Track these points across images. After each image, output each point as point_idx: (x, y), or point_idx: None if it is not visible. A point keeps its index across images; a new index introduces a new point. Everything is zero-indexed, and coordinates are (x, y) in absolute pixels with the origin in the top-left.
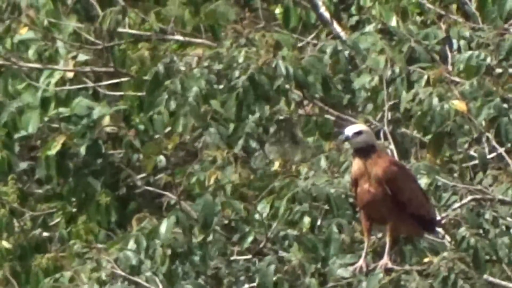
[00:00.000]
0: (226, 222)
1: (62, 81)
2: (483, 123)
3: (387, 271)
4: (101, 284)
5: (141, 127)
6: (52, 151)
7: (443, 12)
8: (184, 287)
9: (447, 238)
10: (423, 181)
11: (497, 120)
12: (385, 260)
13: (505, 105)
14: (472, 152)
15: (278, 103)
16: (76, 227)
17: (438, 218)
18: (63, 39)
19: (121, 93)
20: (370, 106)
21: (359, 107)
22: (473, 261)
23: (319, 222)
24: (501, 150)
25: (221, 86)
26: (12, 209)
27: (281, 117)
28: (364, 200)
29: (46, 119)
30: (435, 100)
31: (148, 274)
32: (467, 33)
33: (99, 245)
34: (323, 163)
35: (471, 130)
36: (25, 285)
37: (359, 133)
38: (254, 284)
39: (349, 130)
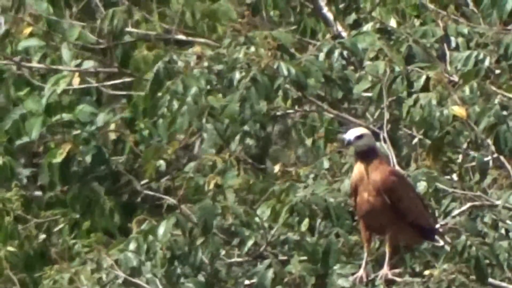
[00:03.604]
0: (227, 226)
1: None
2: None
3: (387, 282)
4: (101, 286)
5: (146, 132)
6: (58, 159)
7: (444, 13)
8: (185, 285)
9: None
10: (422, 184)
11: (496, 127)
12: (385, 270)
13: (505, 112)
14: (471, 152)
15: (275, 98)
16: (87, 238)
17: (437, 226)
18: (68, 45)
19: (125, 92)
20: (371, 108)
21: (357, 108)
22: (475, 272)
23: (318, 222)
24: (502, 159)
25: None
26: (16, 216)
27: (278, 113)
28: (363, 209)
29: (48, 124)
30: (434, 106)
31: (149, 276)
32: (465, 30)
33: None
34: (326, 165)
35: (470, 135)
36: None
37: (360, 136)
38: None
39: (350, 134)
